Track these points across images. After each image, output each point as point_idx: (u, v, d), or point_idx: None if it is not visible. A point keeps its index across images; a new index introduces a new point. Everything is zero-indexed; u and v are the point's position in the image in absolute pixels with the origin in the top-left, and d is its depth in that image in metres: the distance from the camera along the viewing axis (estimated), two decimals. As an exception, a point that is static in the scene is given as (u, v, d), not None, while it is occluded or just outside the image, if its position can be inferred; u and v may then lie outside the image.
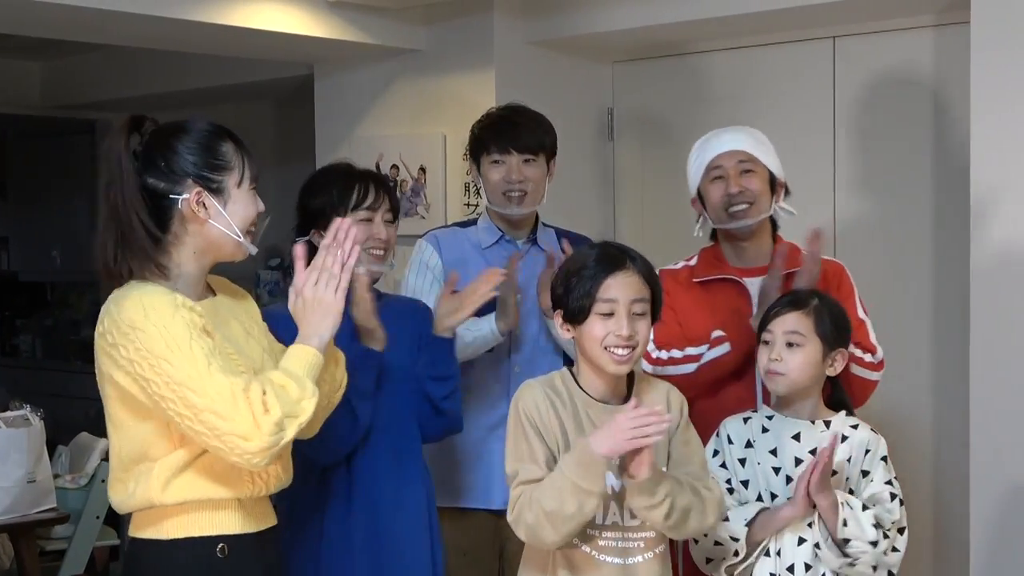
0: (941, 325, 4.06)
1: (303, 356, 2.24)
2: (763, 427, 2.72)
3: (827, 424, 2.69)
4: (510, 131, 3.28)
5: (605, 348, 2.39)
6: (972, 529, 3.58)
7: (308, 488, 2.86)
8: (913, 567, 3.11)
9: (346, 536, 2.85)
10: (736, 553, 2.62)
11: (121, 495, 2.27)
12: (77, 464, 4.76)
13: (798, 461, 2.66)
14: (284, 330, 2.41)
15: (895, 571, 2.69)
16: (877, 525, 2.58)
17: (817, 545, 2.59)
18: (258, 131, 6.53)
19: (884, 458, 2.68)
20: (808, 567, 2.61)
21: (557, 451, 2.40)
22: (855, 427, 2.70)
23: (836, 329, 2.70)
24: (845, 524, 2.55)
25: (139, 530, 2.28)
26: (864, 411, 2.92)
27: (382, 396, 2.86)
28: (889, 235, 4.19)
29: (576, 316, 2.42)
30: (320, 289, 2.29)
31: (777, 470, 2.68)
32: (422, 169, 4.66)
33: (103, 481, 4.46)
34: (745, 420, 2.75)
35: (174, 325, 2.14)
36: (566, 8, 4.42)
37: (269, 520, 2.38)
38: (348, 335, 2.83)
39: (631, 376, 2.51)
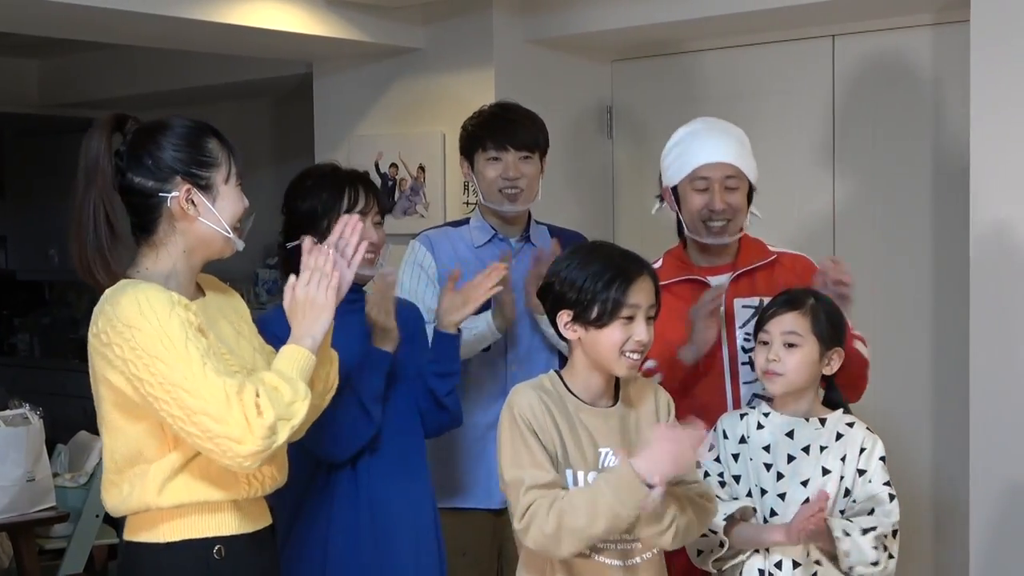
0: (941, 324, 4.05)
1: (295, 357, 2.23)
2: (758, 423, 2.72)
3: (822, 422, 2.70)
4: (507, 128, 3.28)
5: (623, 353, 2.38)
6: (972, 529, 3.58)
7: (314, 487, 2.87)
8: (913, 567, 3.11)
9: (353, 536, 2.85)
10: (721, 544, 2.62)
11: (116, 498, 2.25)
12: (76, 463, 4.76)
13: (791, 458, 2.66)
14: (276, 335, 2.40)
15: None
16: (876, 547, 2.58)
17: (818, 562, 2.60)
18: (257, 130, 6.53)
19: (882, 458, 2.68)
20: (796, 564, 2.61)
21: (555, 454, 2.39)
22: (851, 425, 2.70)
23: (832, 328, 2.70)
24: (847, 555, 2.56)
25: (134, 533, 2.27)
26: (863, 410, 2.91)
27: (388, 396, 2.87)
28: (888, 233, 4.19)
29: (597, 320, 2.38)
30: (312, 289, 2.29)
31: (769, 466, 2.68)
32: (421, 168, 4.66)
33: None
34: (742, 416, 2.76)
35: (170, 324, 2.12)
36: (565, 7, 4.42)
37: (264, 520, 2.37)
38: (360, 336, 2.83)
39: (616, 379, 2.50)
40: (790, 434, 2.69)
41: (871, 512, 2.62)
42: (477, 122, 3.34)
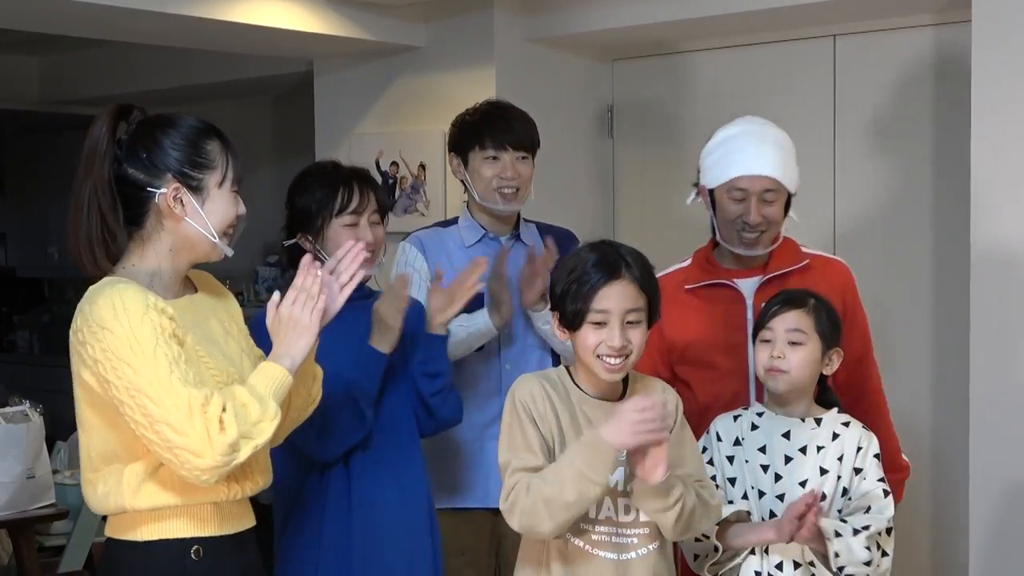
0: (941, 325, 4.06)
1: (272, 375, 2.21)
2: (752, 424, 2.72)
3: (818, 421, 2.69)
4: (505, 127, 3.27)
5: (598, 356, 2.39)
6: (972, 529, 3.58)
7: (307, 488, 2.86)
8: (913, 567, 3.12)
9: (345, 536, 2.85)
10: (716, 549, 2.62)
11: (95, 497, 2.25)
12: (76, 460, 4.75)
13: (788, 459, 2.66)
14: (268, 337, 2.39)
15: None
16: (868, 546, 2.57)
17: (812, 563, 2.60)
18: (257, 128, 6.53)
19: (876, 455, 2.68)
20: (797, 565, 2.61)
21: (552, 442, 2.40)
22: (846, 424, 2.70)
23: (833, 328, 2.70)
24: (837, 555, 2.56)
25: (114, 531, 2.27)
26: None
27: (382, 396, 2.87)
28: (889, 234, 4.19)
29: (571, 322, 2.41)
30: (297, 309, 2.26)
31: (766, 468, 2.67)
32: (422, 166, 4.66)
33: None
34: (735, 418, 2.75)
35: (141, 328, 2.10)
36: (566, 5, 4.42)
37: (247, 522, 2.34)
38: (360, 336, 2.83)
39: (626, 374, 2.50)
40: (786, 435, 2.68)
41: (867, 510, 2.62)
42: (473, 120, 3.32)
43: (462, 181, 3.35)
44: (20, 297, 8.09)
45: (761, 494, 2.67)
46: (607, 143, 4.85)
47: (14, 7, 3.99)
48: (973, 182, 3.60)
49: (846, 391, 2.92)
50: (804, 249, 3.04)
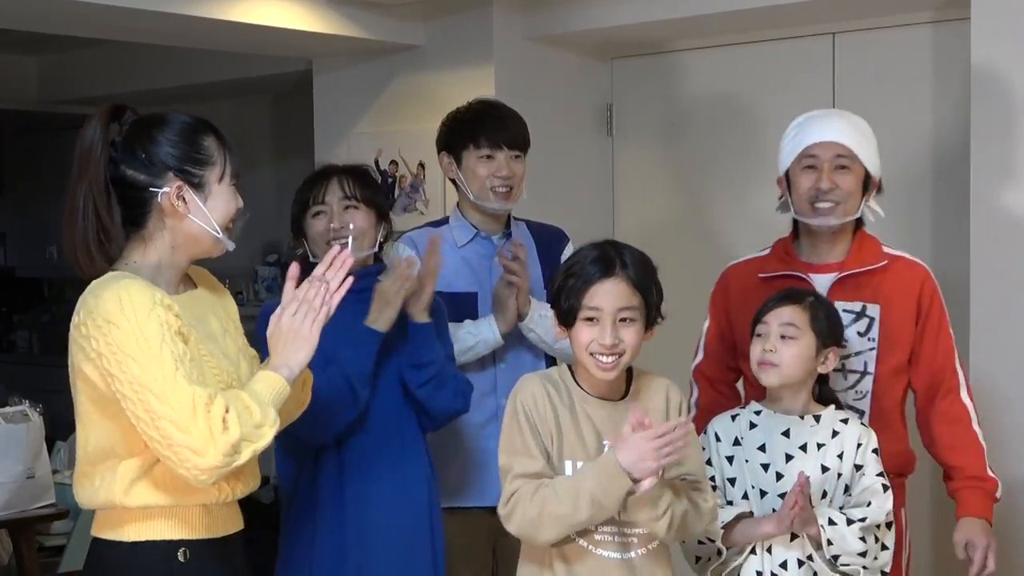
0: (940, 322, 4.05)
1: (272, 383, 2.21)
2: (751, 423, 2.72)
3: (817, 419, 2.69)
4: (500, 126, 3.26)
5: (590, 354, 2.40)
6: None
7: (303, 485, 2.87)
8: (912, 566, 3.11)
9: (338, 535, 2.85)
10: (719, 553, 2.62)
11: (87, 491, 2.24)
12: (75, 459, 4.75)
13: (788, 457, 2.66)
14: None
15: (887, 570, 2.69)
16: (864, 538, 2.58)
17: (811, 557, 2.60)
18: (256, 127, 6.53)
19: (875, 450, 2.68)
20: (801, 563, 2.61)
21: (551, 443, 2.40)
22: (845, 421, 2.70)
23: (830, 327, 2.70)
24: (830, 543, 2.56)
25: (101, 530, 2.26)
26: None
27: (384, 384, 2.86)
28: (888, 232, 4.18)
29: (566, 320, 2.43)
30: (298, 320, 2.26)
31: (767, 467, 2.67)
32: (421, 165, 4.66)
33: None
34: (733, 417, 2.75)
35: (148, 324, 2.10)
36: (565, 4, 4.42)
37: (235, 525, 2.33)
38: (352, 320, 2.81)
39: (630, 371, 2.51)
40: (786, 433, 2.68)
41: (868, 505, 2.62)
42: (466, 119, 3.32)
43: (453, 180, 3.34)
44: (19, 297, 8.09)
45: (763, 493, 2.67)
46: (606, 141, 4.85)
47: (13, 6, 3.99)
48: (973, 180, 3.60)
49: (924, 399, 2.91)
50: (886, 249, 2.97)
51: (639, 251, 2.47)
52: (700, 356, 3.08)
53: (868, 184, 2.90)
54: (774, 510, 2.64)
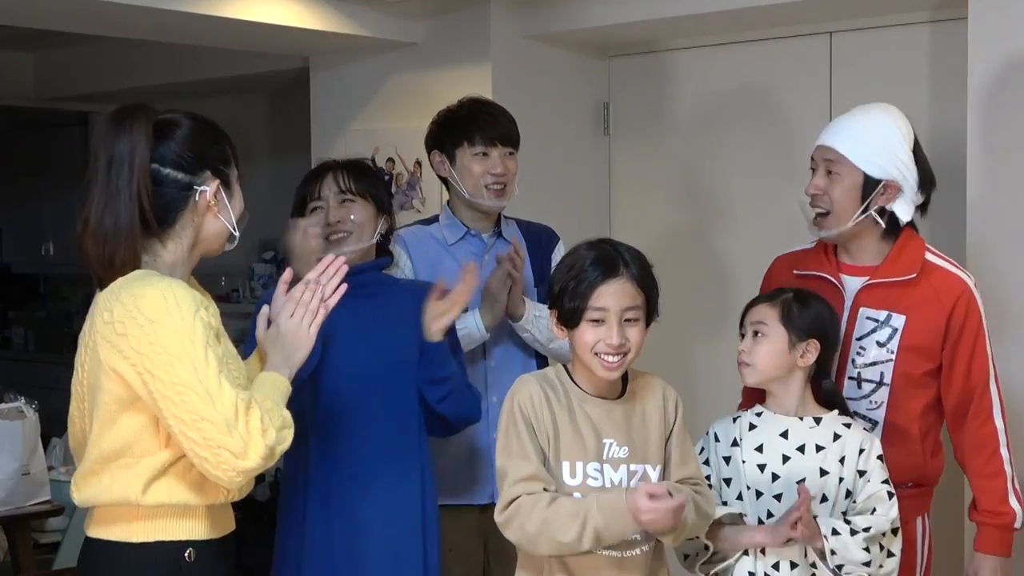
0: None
1: (279, 385, 2.24)
2: (751, 424, 2.71)
3: (817, 421, 2.69)
4: (493, 123, 3.27)
5: (596, 354, 2.40)
6: (969, 527, 3.57)
7: (292, 484, 2.87)
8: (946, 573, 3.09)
9: (325, 534, 2.85)
10: (707, 548, 2.62)
11: (94, 488, 2.23)
12: (71, 456, 4.74)
13: (785, 458, 2.65)
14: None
15: None
16: (868, 548, 2.57)
17: (814, 565, 2.60)
18: (253, 124, 6.53)
19: (880, 457, 2.67)
20: (794, 565, 2.61)
21: (547, 445, 2.40)
22: (847, 426, 2.69)
23: (804, 319, 2.67)
24: (833, 553, 2.56)
25: (101, 530, 2.25)
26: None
27: (387, 383, 2.87)
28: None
29: (568, 320, 2.42)
30: (295, 322, 2.30)
31: (763, 467, 2.67)
32: (418, 163, 4.65)
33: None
34: (734, 419, 2.75)
35: (195, 326, 2.11)
36: (563, 2, 4.42)
37: (230, 526, 2.35)
38: (349, 311, 2.76)
39: (625, 372, 2.51)
40: (784, 434, 2.68)
41: (873, 512, 2.62)
42: (460, 116, 3.31)
43: (444, 178, 3.34)
44: (15, 294, 8.09)
45: (759, 494, 2.66)
46: (603, 140, 4.85)
47: (9, 3, 3.99)
48: (969, 180, 3.60)
49: (953, 419, 2.85)
50: (929, 257, 2.84)
51: (635, 249, 2.47)
52: None
53: (874, 188, 2.78)
54: (770, 512, 2.64)
